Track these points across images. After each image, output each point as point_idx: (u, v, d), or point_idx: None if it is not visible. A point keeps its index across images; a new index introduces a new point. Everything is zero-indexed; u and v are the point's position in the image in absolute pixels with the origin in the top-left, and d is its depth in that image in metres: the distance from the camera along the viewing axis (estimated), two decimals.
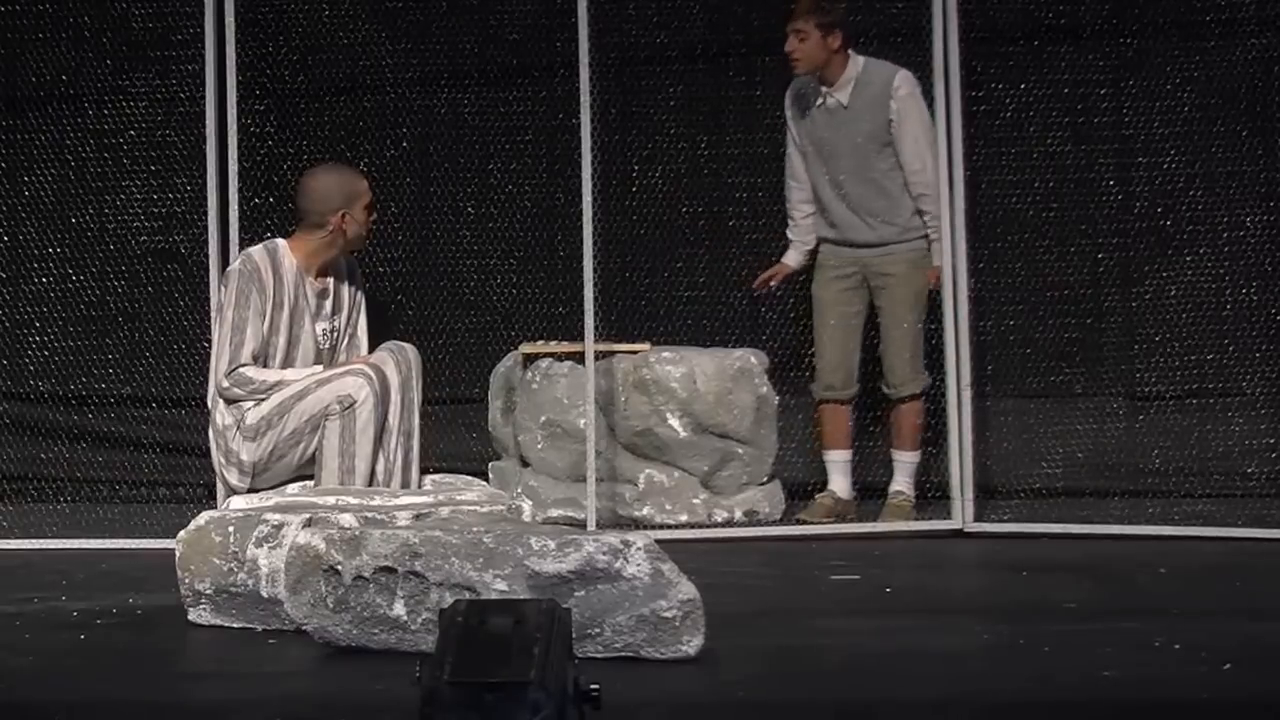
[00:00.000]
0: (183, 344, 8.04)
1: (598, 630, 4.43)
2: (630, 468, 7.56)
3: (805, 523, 7.39)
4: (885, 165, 7.38)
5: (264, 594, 4.98)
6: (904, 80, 7.36)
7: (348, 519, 5.04)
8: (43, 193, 8.25)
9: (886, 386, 7.47)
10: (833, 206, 7.47)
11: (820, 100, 7.43)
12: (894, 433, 7.50)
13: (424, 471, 6.48)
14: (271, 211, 7.68)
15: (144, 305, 8.28)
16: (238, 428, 6.38)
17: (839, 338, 7.48)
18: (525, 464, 7.68)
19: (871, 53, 7.54)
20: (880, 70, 7.40)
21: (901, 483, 7.46)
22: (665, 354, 7.59)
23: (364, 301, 6.73)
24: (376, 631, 4.52)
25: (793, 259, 7.58)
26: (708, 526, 7.40)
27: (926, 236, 7.38)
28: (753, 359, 7.56)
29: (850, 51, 7.40)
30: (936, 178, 7.31)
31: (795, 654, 4.74)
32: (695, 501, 7.54)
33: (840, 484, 7.48)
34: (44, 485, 8.21)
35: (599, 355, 7.42)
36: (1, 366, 8.32)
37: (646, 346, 7.64)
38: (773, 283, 7.59)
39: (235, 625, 5.02)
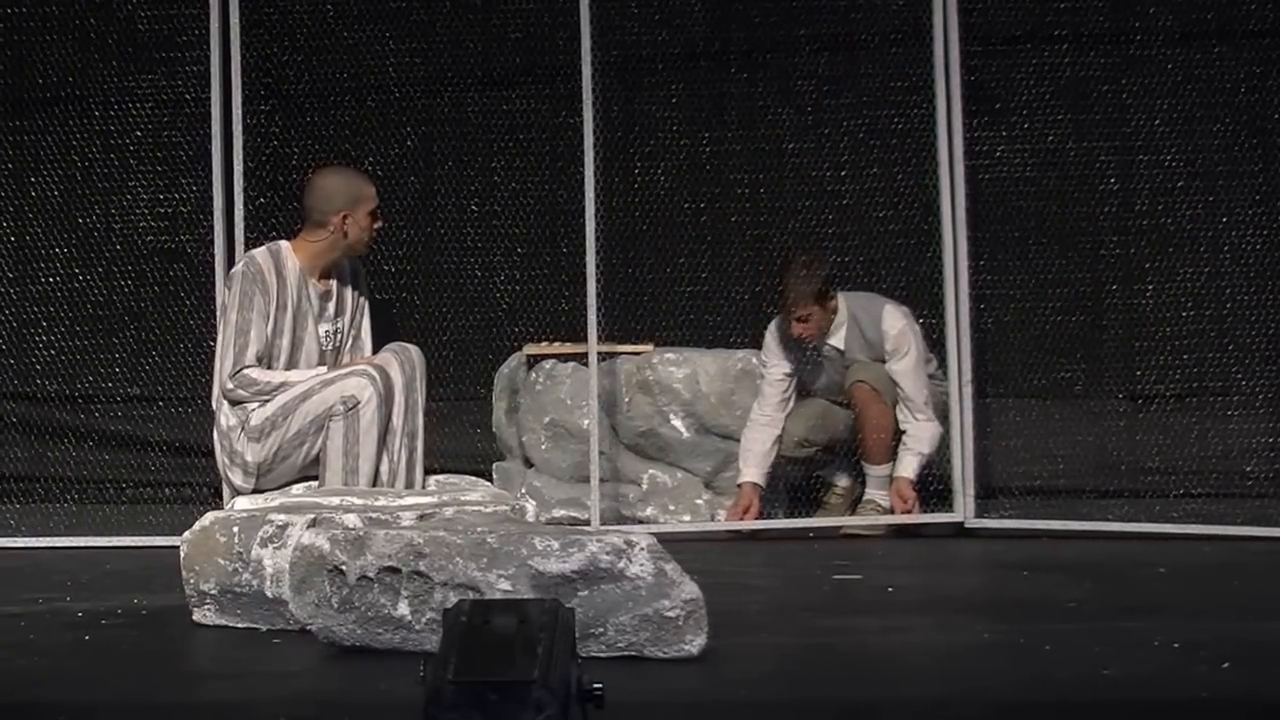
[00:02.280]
0: (189, 343, 8.07)
1: (601, 630, 4.43)
2: (633, 468, 7.58)
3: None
4: None
5: (269, 594, 4.99)
6: (891, 317, 7.32)
7: (352, 519, 5.05)
8: (49, 193, 8.28)
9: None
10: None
11: (815, 348, 7.39)
12: (861, 445, 7.43)
13: (428, 472, 6.49)
14: (277, 211, 7.70)
15: (150, 305, 8.30)
16: (242, 429, 6.39)
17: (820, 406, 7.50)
18: (529, 464, 7.70)
19: (873, 49, 7.56)
20: (866, 306, 7.35)
21: (873, 493, 7.43)
22: (668, 355, 7.61)
23: (368, 304, 6.73)
24: (381, 631, 4.53)
25: (759, 478, 7.32)
26: (711, 526, 7.43)
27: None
28: (755, 359, 7.57)
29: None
30: (928, 395, 7.30)
31: (798, 653, 4.74)
32: (698, 502, 7.55)
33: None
34: (51, 485, 8.23)
35: (602, 356, 7.44)
36: (9, 366, 8.35)
37: (649, 347, 7.66)
38: (750, 513, 7.29)
39: (240, 625, 5.02)
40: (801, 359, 7.40)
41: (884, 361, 7.33)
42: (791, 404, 7.41)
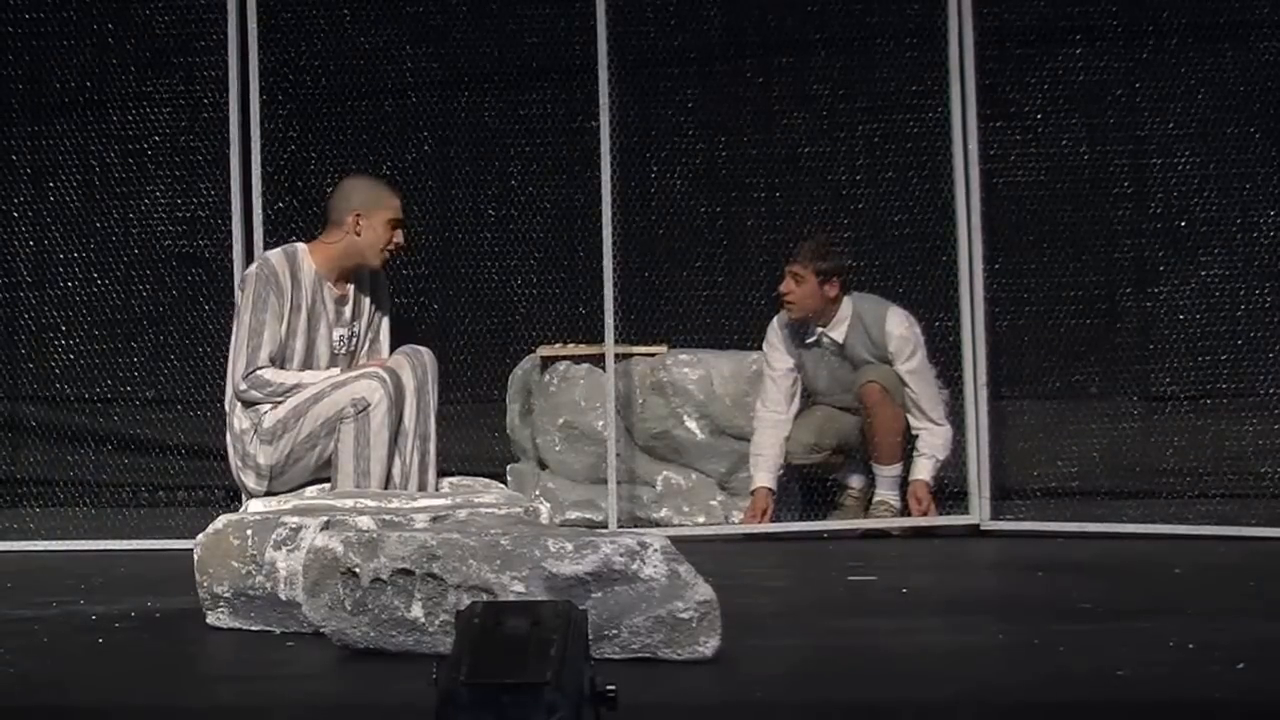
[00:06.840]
0: (207, 347, 8.09)
1: (614, 631, 4.44)
2: (648, 470, 7.59)
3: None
4: None
5: (282, 597, 4.99)
6: (895, 320, 7.33)
7: (365, 521, 5.06)
8: (68, 198, 8.31)
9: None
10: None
11: (814, 338, 7.40)
12: (871, 446, 7.44)
13: (442, 474, 6.49)
14: (295, 215, 7.73)
15: (168, 309, 8.33)
16: (255, 431, 6.40)
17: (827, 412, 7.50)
18: (543, 466, 7.71)
19: (888, 52, 7.56)
20: (871, 308, 7.36)
21: (884, 494, 7.44)
22: (682, 356, 7.62)
23: (388, 315, 6.70)
24: (394, 633, 4.53)
25: (772, 481, 7.34)
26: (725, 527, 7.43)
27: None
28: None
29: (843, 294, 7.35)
30: (940, 396, 7.32)
31: (812, 655, 4.74)
32: (713, 503, 7.56)
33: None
34: (70, 488, 8.26)
35: (616, 358, 7.45)
36: (28, 370, 8.38)
37: (663, 349, 7.67)
38: (766, 517, 7.31)
39: (253, 628, 5.03)
40: (803, 353, 7.40)
41: (889, 364, 7.33)
42: (797, 401, 7.42)
